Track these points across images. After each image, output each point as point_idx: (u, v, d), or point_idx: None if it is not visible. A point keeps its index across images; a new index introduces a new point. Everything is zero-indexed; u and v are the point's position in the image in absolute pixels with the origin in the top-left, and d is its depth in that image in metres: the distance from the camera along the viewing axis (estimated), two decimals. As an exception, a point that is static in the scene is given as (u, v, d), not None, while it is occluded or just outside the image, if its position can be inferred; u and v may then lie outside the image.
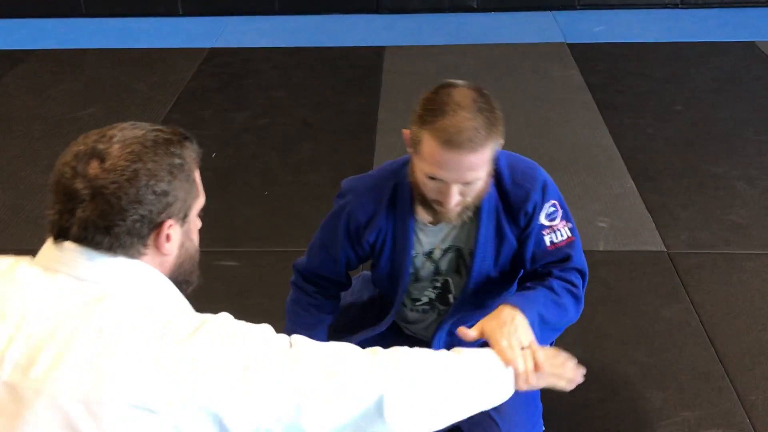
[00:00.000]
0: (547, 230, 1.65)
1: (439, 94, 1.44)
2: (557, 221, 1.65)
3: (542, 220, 1.64)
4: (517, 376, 1.32)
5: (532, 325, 1.47)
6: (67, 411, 0.93)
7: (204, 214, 1.19)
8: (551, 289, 1.63)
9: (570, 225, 1.68)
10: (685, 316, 2.47)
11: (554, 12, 5.42)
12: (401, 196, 1.64)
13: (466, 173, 1.44)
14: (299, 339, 1.11)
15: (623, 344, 2.36)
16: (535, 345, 1.38)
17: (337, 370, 1.09)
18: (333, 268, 1.76)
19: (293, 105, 4.07)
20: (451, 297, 1.79)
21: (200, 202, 1.14)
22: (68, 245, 1.03)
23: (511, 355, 1.33)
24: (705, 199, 3.14)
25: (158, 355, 0.96)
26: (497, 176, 1.62)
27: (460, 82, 1.47)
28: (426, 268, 1.73)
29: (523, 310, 1.47)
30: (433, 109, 1.42)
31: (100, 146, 1.03)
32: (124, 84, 4.35)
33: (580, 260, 1.68)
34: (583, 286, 1.69)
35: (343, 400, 1.08)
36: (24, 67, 4.60)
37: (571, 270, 1.67)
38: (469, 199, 1.51)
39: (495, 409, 1.75)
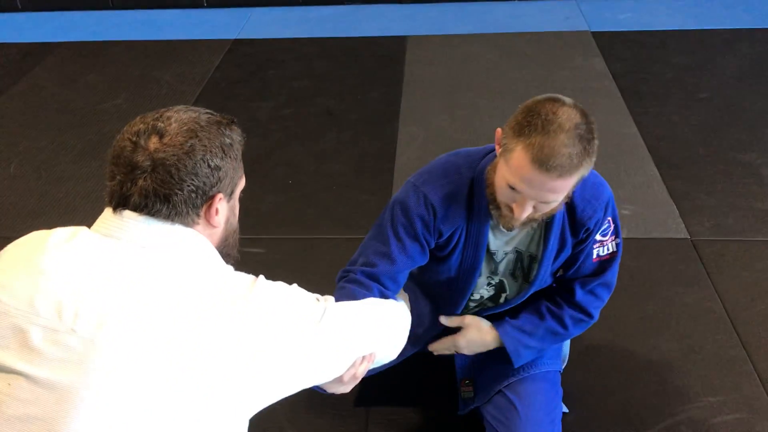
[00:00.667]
0: (598, 244, 1.70)
1: (545, 107, 1.39)
2: (608, 237, 1.70)
3: (597, 236, 1.68)
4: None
5: (510, 352, 1.78)
6: (147, 358, 1.01)
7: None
8: (561, 323, 1.78)
9: (618, 241, 1.72)
10: (708, 303, 2.47)
11: (578, 0, 5.38)
12: (478, 194, 1.62)
13: (547, 194, 1.43)
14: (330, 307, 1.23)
15: (646, 330, 2.36)
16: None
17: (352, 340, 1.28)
18: (394, 263, 1.65)
19: (316, 95, 4.10)
20: (503, 297, 1.82)
21: (243, 182, 1.25)
22: (128, 213, 1.11)
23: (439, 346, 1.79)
24: (729, 186, 3.12)
25: (221, 311, 1.05)
26: None
27: (568, 100, 1.42)
28: (488, 267, 1.75)
29: (505, 342, 1.78)
30: (534, 124, 1.38)
31: (160, 124, 1.12)
32: (150, 75, 4.41)
33: (613, 275, 1.76)
34: (605, 299, 1.80)
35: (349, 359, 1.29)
36: (53, 59, 4.68)
37: (599, 285, 1.75)
38: (538, 215, 1.52)
39: (514, 391, 1.80)
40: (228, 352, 1.04)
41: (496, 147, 1.50)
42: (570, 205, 1.63)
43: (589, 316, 1.77)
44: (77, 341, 1.02)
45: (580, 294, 1.75)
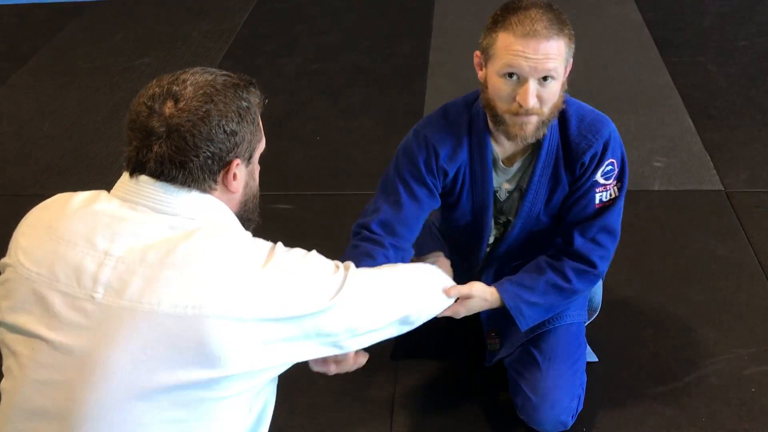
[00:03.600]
0: (601, 188, 1.65)
1: (510, 3, 1.50)
2: (611, 180, 1.65)
3: (598, 177, 1.64)
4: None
5: (510, 309, 1.67)
6: (165, 326, 1.01)
7: (259, 159, 1.24)
8: (563, 275, 1.68)
9: (620, 185, 1.67)
10: (741, 255, 2.43)
11: (612, -54, 5.21)
12: (477, 130, 1.65)
13: (543, 62, 1.45)
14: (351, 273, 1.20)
15: (677, 282, 2.34)
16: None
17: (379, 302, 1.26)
18: (405, 208, 1.67)
19: (344, 50, 4.07)
20: (512, 232, 1.80)
21: (262, 145, 1.22)
22: (144, 179, 1.10)
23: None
24: (766, 137, 3.04)
25: (244, 275, 1.05)
26: (564, 121, 1.63)
27: None
28: (494, 207, 1.74)
29: (504, 299, 1.67)
30: (504, 14, 1.48)
31: (175, 88, 1.10)
32: (178, 33, 4.41)
33: (614, 220, 1.68)
34: (610, 248, 1.70)
35: (380, 326, 1.27)
36: (82, 19, 4.70)
37: (600, 232, 1.67)
38: (546, 108, 1.51)
39: (536, 345, 1.81)
40: (239, 321, 1.03)
41: (478, 70, 1.57)
42: (565, 139, 1.63)
43: (592, 265, 1.68)
44: (95, 307, 1.03)
45: (579, 242, 1.67)
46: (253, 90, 1.18)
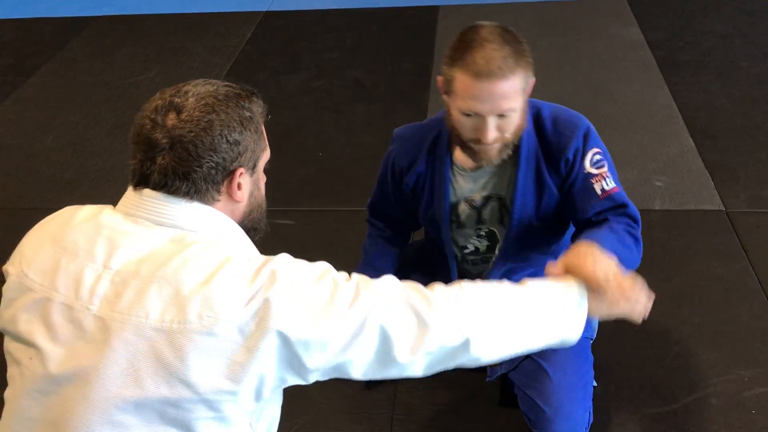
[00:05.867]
0: (596, 178, 1.62)
1: (466, 34, 1.50)
2: (605, 169, 1.62)
3: (588, 168, 1.62)
4: (604, 298, 1.27)
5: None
6: (151, 339, 1.01)
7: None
8: (613, 230, 1.57)
9: (613, 177, 1.65)
10: (742, 275, 2.43)
11: (614, -33, 5.25)
12: (440, 142, 1.71)
13: (499, 102, 1.46)
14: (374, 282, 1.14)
15: (677, 303, 2.34)
16: (619, 271, 1.31)
17: (426, 319, 1.11)
18: (391, 206, 1.91)
19: (347, 67, 4.09)
20: (497, 248, 1.81)
21: (267, 154, 1.22)
22: (148, 192, 1.11)
23: (602, 278, 1.26)
24: (767, 158, 3.05)
25: (239, 289, 1.02)
26: (539, 124, 1.64)
27: (485, 22, 1.53)
28: (468, 215, 1.75)
29: (600, 244, 1.39)
30: (461, 48, 1.48)
31: (177, 100, 1.11)
32: (183, 48, 4.44)
33: (633, 207, 1.65)
34: (639, 231, 1.64)
35: (432, 347, 1.11)
36: (88, 33, 4.73)
37: (625, 216, 1.63)
38: (507, 135, 1.53)
39: (542, 356, 1.78)
40: (221, 338, 1.00)
41: (442, 95, 1.58)
42: (543, 140, 1.63)
43: (633, 227, 1.61)
44: (90, 319, 1.04)
45: (612, 219, 1.61)
46: (256, 99, 1.19)
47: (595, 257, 1.30)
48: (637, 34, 4.21)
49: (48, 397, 1.04)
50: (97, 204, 1.20)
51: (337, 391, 2.04)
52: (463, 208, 1.75)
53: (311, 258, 1.15)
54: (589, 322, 1.85)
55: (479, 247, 1.82)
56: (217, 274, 1.03)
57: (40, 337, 1.05)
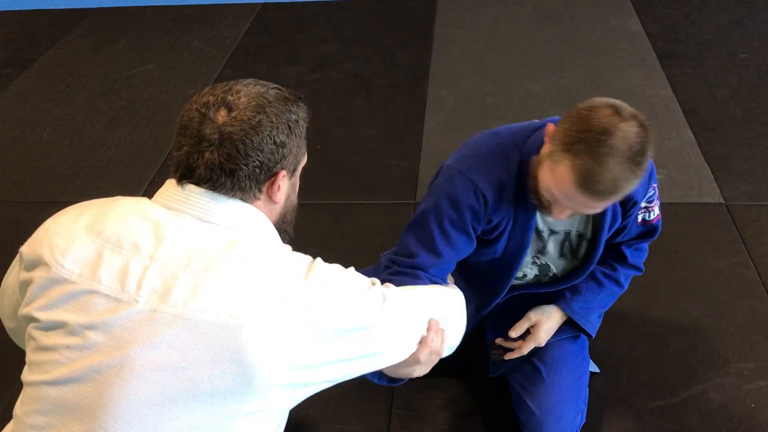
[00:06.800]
0: (643, 210, 1.70)
1: (600, 122, 1.32)
2: (654, 202, 1.71)
3: (643, 203, 1.69)
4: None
5: (583, 326, 1.82)
6: (207, 333, 1.02)
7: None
8: (618, 283, 1.83)
9: (658, 204, 1.74)
10: (741, 268, 2.43)
11: (613, -42, 5.23)
12: (525, 180, 1.55)
13: (587, 210, 1.46)
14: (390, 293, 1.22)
15: (677, 296, 2.34)
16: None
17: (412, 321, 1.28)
18: (443, 257, 1.60)
19: (345, 59, 4.07)
20: (549, 276, 1.81)
21: (305, 159, 1.25)
22: (191, 187, 1.12)
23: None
24: (767, 150, 3.04)
25: (287, 287, 1.06)
26: None
27: (626, 111, 1.36)
28: (534, 247, 1.73)
29: (577, 320, 1.81)
30: (584, 139, 1.32)
31: (229, 97, 1.13)
32: (180, 40, 4.42)
33: (659, 228, 1.78)
34: (647, 250, 1.87)
35: (410, 343, 1.29)
36: (85, 25, 4.71)
37: (643, 241, 1.79)
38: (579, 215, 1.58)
39: (541, 358, 1.80)
40: (278, 334, 1.03)
41: (546, 142, 1.43)
42: None
43: (639, 270, 1.86)
44: (138, 311, 1.04)
45: (629, 254, 1.80)
46: (302, 104, 1.21)
47: (538, 340, 1.79)
48: (636, 26, 4.19)
49: (85, 385, 1.03)
50: (95, 198, 1.20)
51: (336, 385, 2.03)
52: (535, 240, 1.70)
53: (311, 251, 1.15)
54: (588, 321, 1.88)
55: (528, 274, 1.81)
56: (270, 271, 1.06)
57: (80, 326, 1.05)
